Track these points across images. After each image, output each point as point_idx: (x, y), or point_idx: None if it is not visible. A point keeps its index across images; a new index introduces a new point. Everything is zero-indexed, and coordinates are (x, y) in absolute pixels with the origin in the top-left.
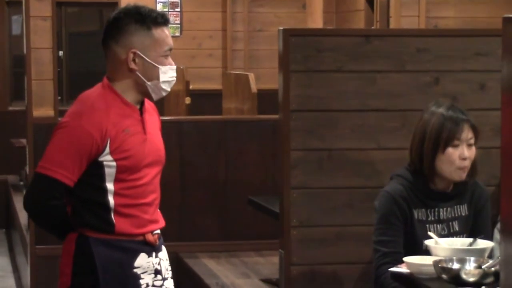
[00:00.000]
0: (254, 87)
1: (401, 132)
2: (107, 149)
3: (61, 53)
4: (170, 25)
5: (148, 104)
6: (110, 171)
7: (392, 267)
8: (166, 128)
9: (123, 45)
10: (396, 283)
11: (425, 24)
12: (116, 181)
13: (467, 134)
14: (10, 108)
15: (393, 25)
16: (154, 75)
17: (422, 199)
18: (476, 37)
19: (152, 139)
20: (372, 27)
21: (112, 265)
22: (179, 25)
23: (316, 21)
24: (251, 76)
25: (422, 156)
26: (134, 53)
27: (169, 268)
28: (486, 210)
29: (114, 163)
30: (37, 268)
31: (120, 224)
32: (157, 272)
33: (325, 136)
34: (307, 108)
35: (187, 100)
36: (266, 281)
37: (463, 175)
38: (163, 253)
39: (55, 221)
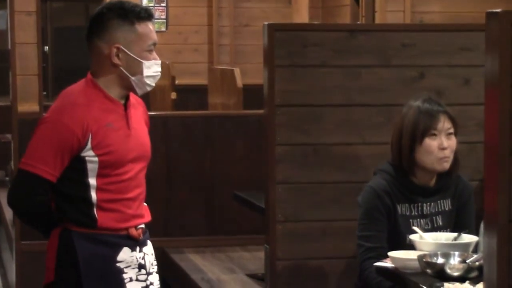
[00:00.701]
0: (239, 82)
1: (386, 127)
2: (89, 144)
3: (46, 48)
4: (156, 20)
5: (134, 98)
6: (92, 166)
7: (376, 261)
8: (152, 123)
9: (106, 40)
10: (380, 277)
11: (411, 19)
12: (99, 176)
13: (443, 124)
14: None
15: (378, 20)
16: (138, 70)
17: (405, 194)
18: (461, 32)
19: (136, 134)
20: (358, 22)
21: (95, 259)
22: (164, 20)
23: (302, 16)
24: (237, 71)
25: (401, 150)
26: (118, 48)
27: (155, 262)
28: (469, 205)
29: (96, 159)
30: (22, 263)
31: (103, 219)
32: (141, 266)
33: (310, 131)
34: (292, 103)
35: (173, 95)
36: (252, 276)
37: (445, 165)
38: (148, 248)
39: (38, 217)
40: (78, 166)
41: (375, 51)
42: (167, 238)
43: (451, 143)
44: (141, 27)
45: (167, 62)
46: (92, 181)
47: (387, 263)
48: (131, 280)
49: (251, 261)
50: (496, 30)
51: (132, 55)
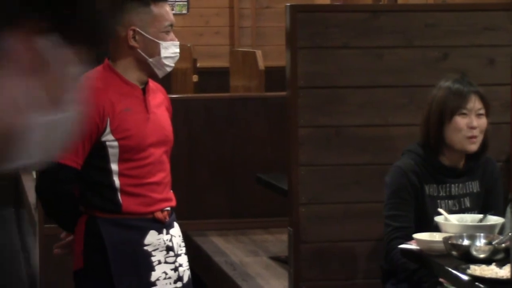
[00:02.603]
0: (261, 64)
1: (409, 108)
2: (108, 129)
3: None
4: (177, 3)
5: (154, 85)
6: (113, 151)
7: (403, 241)
8: (174, 106)
9: (122, 23)
10: (404, 259)
11: None
12: (121, 161)
13: (474, 104)
14: None
15: (400, 0)
16: (155, 51)
17: (433, 174)
18: (484, 12)
19: (156, 119)
20: (380, 3)
21: (122, 244)
22: (186, 3)
23: None
24: (259, 53)
25: (429, 129)
26: (134, 30)
27: (182, 244)
28: (498, 187)
29: (116, 143)
30: (45, 247)
31: (127, 203)
32: (168, 248)
33: (332, 113)
34: (314, 85)
35: (195, 78)
36: (275, 258)
37: (473, 146)
38: (175, 230)
39: (65, 207)
40: (99, 152)
41: (397, 32)
42: (189, 221)
43: (481, 123)
44: (156, 8)
45: (189, 45)
46: (114, 166)
47: (412, 245)
48: (159, 262)
49: (274, 244)
50: None
51: (149, 36)
